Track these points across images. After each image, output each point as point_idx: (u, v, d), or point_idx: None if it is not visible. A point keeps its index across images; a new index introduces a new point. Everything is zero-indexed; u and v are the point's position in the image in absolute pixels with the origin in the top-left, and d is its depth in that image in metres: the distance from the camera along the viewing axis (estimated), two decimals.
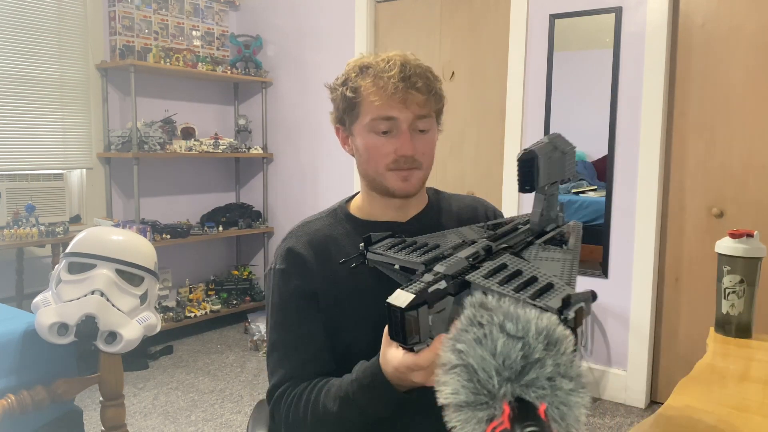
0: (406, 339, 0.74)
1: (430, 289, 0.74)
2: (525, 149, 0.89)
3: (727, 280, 1.57)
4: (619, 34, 2.84)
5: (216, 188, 4.30)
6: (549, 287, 0.73)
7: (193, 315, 3.78)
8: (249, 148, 4.18)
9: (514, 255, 0.85)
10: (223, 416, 2.74)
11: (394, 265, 0.89)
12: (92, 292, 1.58)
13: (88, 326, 1.54)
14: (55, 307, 1.56)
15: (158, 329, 1.73)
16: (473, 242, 0.87)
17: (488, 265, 0.79)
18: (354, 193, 1.21)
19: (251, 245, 4.42)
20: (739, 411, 1.12)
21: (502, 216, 1.22)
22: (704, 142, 2.74)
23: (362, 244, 0.94)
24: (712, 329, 1.62)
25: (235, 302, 4.06)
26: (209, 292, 4.06)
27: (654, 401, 2.95)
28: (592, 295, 0.72)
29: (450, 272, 0.77)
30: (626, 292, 2.90)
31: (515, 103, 3.15)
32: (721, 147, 2.70)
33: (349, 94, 1.08)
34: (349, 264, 0.95)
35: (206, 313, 3.86)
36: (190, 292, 3.98)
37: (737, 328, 1.57)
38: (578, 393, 0.51)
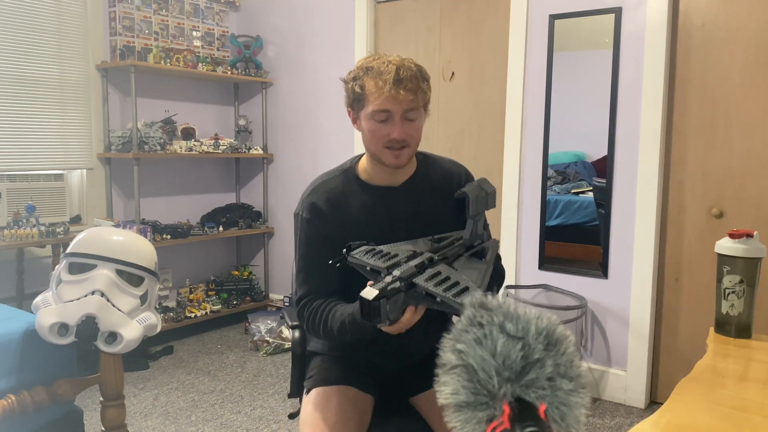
0: (372, 320, 1.14)
1: (389, 288, 1.13)
2: (460, 191, 1.35)
3: (727, 281, 1.57)
4: (619, 34, 2.85)
5: (216, 188, 4.31)
6: (466, 289, 1.13)
7: (193, 315, 3.78)
8: (249, 149, 4.18)
9: (448, 264, 1.25)
10: (223, 416, 2.74)
11: (366, 267, 1.28)
12: (92, 293, 1.58)
13: (89, 326, 1.55)
14: (55, 308, 1.56)
15: (158, 329, 1.73)
16: (422, 254, 1.26)
17: (429, 272, 1.19)
18: (361, 153, 1.55)
19: (251, 245, 4.43)
20: (739, 411, 1.12)
21: (473, 179, 1.59)
22: (704, 142, 2.74)
23: (345, 250, 1.32)
24: (712, 329, 1.62)
25: (235, 302, 4.06)
26: (209, 293, 4.06)
27: (654, 401, 2.95)
28: (495, 293, 1.15)
29: (403, 276, 1.15)
30: (626, 292, 2.91)
31: (515, 104, 3.15)
32: (721, 147, 2.70)
33: (357, 89, 1.42)
34: (335, 264, 1.33)
35: (206, 313, 3.86)
36: (191, 293, 3.98)
37: (737, 328, 1.57)
38: (578, 393, 0.51)
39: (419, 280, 1.16)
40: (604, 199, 2.99)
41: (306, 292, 1.50)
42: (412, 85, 1.37)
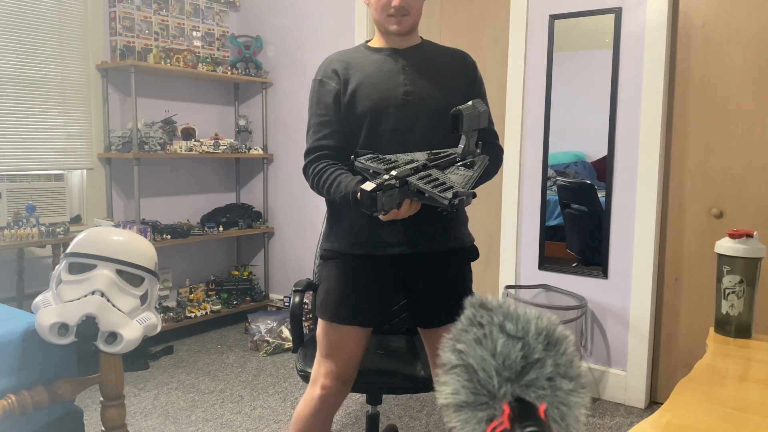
0: (370, 209, 1.32)
1: (385, 183, 1.32)
2: (454, 108, 1.46)
3: (727, 281, 1.57)
4: (619, 34, 2.85)
5: (216, 189, 4.31)
6: (450, 187, 1.34)
7: (193, 315, 3.78)
8: (249, 149, 4.18)
9: (439, 170, 1.44)
10: (223, 416, 2.74)
11: (370, 170, 1.47)
12: (92, 293, 1.58)
13: (89, 326, 1.55)
14: (55, 308, 1.56)
15: (158, 329, 1.73)
16: (418, 161, 1.44)
17: (421, 174, 1.39)
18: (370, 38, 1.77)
19: (251, 245, 4.43)
20: (739, 411, 1.12)
21: (474, 63, 1.79)
22: (704, 142, 2.74)
23: (353, 156, 1.53)
24: (712, 329, 1.62)
25: (235, 302, 4.06)
26: (209, 293, 4.06)
27: (654, 401, 2.95)
28: (473, 195, 1.35)
29: (399, 176, 1.36)
30: (626, 292, 2.91)
31: (515, 103, 3.15)
32: (721, 147, 2.70)
33: None
34: (343, 171, 1.58)
35: (206, 313, 3.86)
36: (191, 293, 3.98)
37: (737, 328, 1.57)
38: (578, 393, 0.51)
39: (412, 178, 1.36)
40: (571, 198, 3.00)
41: (312, 144, 1.67)
42: None
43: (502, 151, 1.79)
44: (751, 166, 2.63)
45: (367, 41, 1.78)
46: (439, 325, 1.71)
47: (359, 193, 1.32)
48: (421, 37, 1.76)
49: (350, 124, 1.65)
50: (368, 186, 1.30)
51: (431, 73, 1.68)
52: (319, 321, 1.72)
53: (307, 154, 1.68)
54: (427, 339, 1.77)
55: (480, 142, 1.60)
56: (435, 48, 1.76)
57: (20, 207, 3.13)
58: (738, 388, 1.24)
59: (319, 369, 1.69)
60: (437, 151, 1.55)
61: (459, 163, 1.51)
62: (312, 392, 1.69)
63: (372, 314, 1.70)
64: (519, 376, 0.51)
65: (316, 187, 1.64)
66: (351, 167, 1.57)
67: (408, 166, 1.40)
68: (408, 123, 1.62)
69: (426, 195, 1.34)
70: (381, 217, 1.38)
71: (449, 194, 1.29)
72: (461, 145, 1.52)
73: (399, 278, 1.71)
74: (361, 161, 1.50)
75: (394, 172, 1.36)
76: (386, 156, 1.52)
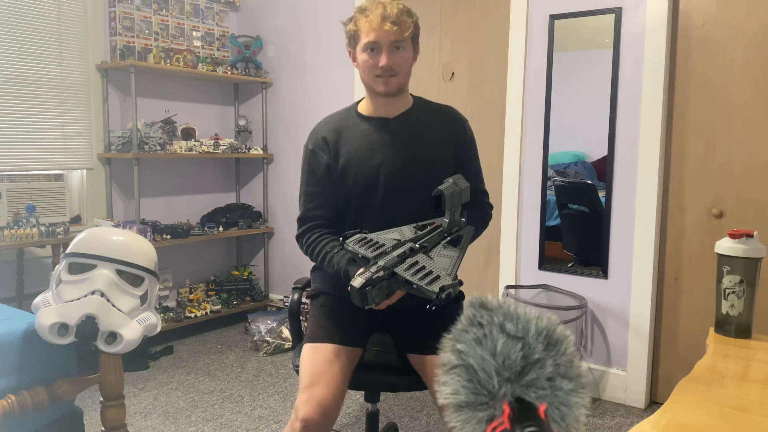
0: (362, 304, 1.36)
1: (374, 277, 1.35)
2: (436, 188, 1.53)
3: (727, 281, 1.57)
4: (619, 34, 2.85)
5: (216, 189, 4.31)
6: (437, 277, 1.36)
7: (193, 315, 3.78)
8: (249, 149, 4.18)
9: (426, 254, 1.47)
10: (223, 416, 2.74)
11: (359, 255, 1.49)
12: (92, 293, 1.58)
13: (89, 326, 1.54)
14: (55, 308, 1.56)
15: (158, 329, 1.73)
16: (405, 243, 1.48)
17: (408, 262, 1.42)
18: (362, 97, 1.79)
19: (251, 245, 4.43)
20: (739, 411, 1.12)
21: (466, 122, 1.83)
22: (704, 142, 2.74)
23: (341, 239, 1.55)
24: (712, 329, 1.62)
25: (235, 302, 4.06)
26: (209, 293, 4.06)
27: (654, 401, 2.95)
28: (459, 284, 1.35)
29: (386, 266, 1.38)
30: (626, 292, 2.91)
31: (515, 104, 3.15)
32: (721, 147, 2.70)
33: (352, 28, 1.66)
34: (335, 247, 1.64)
35: (206, 313, 3.86)
36: (191, 293, 3.98)
37: (737, 328, 1.57)
38: (578, 393, 0.51)
39: (400, 270, 1.39)
40: (571, 199, 3.00)
41: (303, 213, 1.75)
42: (397, 20, 1.59)
43: (491, 208, 1.86)
44: (751, 166, 2.63)
45: (358, 102, 1.79)
46: (425, 353, 1.65)
47: (349, 288, 1.35)
48: (411, 96, 1.77)
49: (340, 196, 1.71)
50: (357, 282, 1.33)
51: (420, 144, 1.70)
52: (302, 352, 1.69)
53: (300, 222, 1.75)
54: (415, 364, 1.71)
55: (465, 212, 1.63)
56: (425, 110, 1.76)
57: (20, 207, 3.13)
58: (738, 388, 1.24)
59: (300, 399, 1.57)
60: (424, 223, 1.60)
61: (446, 239, 1.55)
62: (293, 425, 1.56)
63: (353, 333, 1.69)
64: (519, 376, 0.51)
65: (310, 256, 1.71)
66: (342, 245, 1.60)
67: (395, 252, 1.43)
68: (396, 198, 1.68)
69: (414, 286, 1.36)
70: (374, 307, 1.40)
71: (436, 287, 1.32)
72: (446, 220, 1.56)
73: (382, 311, 1.65)
74: (350, 245, 1.52)
75: (381, 262, 1.38)
76: (373, 238, 1.54)
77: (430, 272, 1.38)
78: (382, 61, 1.60)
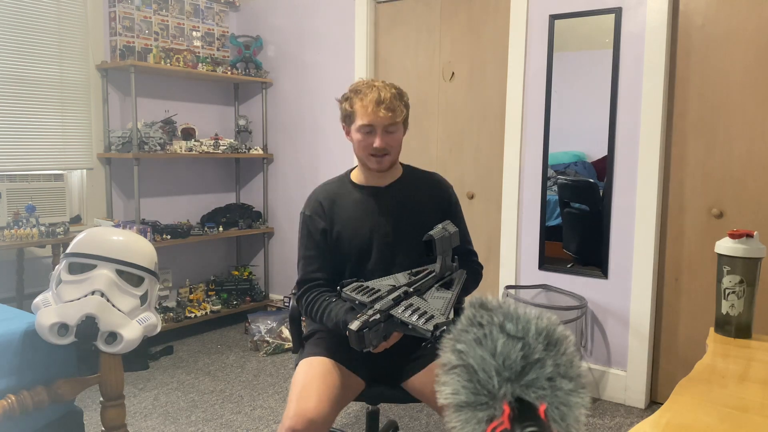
0: (359, 347, 1.38)
1: (370, 320, 1.40)
2: (427, 234, 1.62)
3: (727, 281, 1.57)
4: (619, 34, 2.84)
5: (216, 189, 4.31)
6: (431, 317, 1.41)
7: (193, 315, 3.78)
8: (249, 149, 4.18)
9: (420, 296, 1.54)
10: (223, 417, 2.74)
11: (356, 301, 1.56)
12: (92, 293, 1.58)
13: (89, 326, 1.54)
14: (55, 308, 1.56)
15: (158, 329, 1.73)
16: (399, 287, 1.55)
17: (403, 304, 1.47)
18: (355, 165, 1.91)
19: (251, 245, 4.43)
20: (739, 411, 1.12)
21: (450, 188, 1.95)
22: (704, 142, 2.74)
23: (339, 287, 1.62)
24: (712, 329, 1.62)
25: (235, 303, 4.06)
26: (209, 293, 4.06)
27: (654, 401, 2.95)
28: (453, 321, 1.36)
29: (382, 309, 1.44)
30: (626, 292, 2.91)
31: (515, 104, 3.15)
32: (721, 147, 2.70)
33: (348, 108, 1.78)
34: (333, 299, 1.72)
35: (206, 313, 3.86)
36: (191, 293, 3.98)
37: (737, 328, 1.57)
38: (578, 393, 0.51)
39: (395, 312, 1.44)
40: (573, 197, 3.00)
41: (303, 276, 1.82)
42: (391, 105, 1.71)
43: (481, 267, 1.94)
44: (751, 166, 2.63)
45: (351, 170, 1.91)
46: (415, 372, 1.72)
47: (347, 332, 1.39)
48: (401, 164, 1.90)
49: (337, 259, 1.81)
50: (354, 325, 1.37)
51: (410, 209, 1.82)
52: (297, 367, 1.72)
53: (299, 284, 1.82)
54: (412, 390, 1.73)
55: (456, 256, 1.74)
56: (413, 178, 1.90)
57: (20, 207, 3.13)
58: (738, 388, 1.24)
59: (287, 411, 1.55)
60: (417, 270, 1.69)
61: (439, 282, 1.63)
62: None
63: (350, 358, 1.69)
64: (519, 376, 0.51)
65: (309, 315, 1.77)
66: (340, 293, 1.66)
67: (390, 296, 1.49)
68: (389, 258, 1.79)
69: (410, 326, 1.41)
70: (372, 350, 1.43)
71: (431, 326, 1.37)
72: (438, 264, 1.65)
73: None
74: (347, 293, 1.59)
75: (378, 306, 1.44)
76: (369, 285, 1.62)
77: (425, 312, 1.44)
78: (377, 143, 1.72)
